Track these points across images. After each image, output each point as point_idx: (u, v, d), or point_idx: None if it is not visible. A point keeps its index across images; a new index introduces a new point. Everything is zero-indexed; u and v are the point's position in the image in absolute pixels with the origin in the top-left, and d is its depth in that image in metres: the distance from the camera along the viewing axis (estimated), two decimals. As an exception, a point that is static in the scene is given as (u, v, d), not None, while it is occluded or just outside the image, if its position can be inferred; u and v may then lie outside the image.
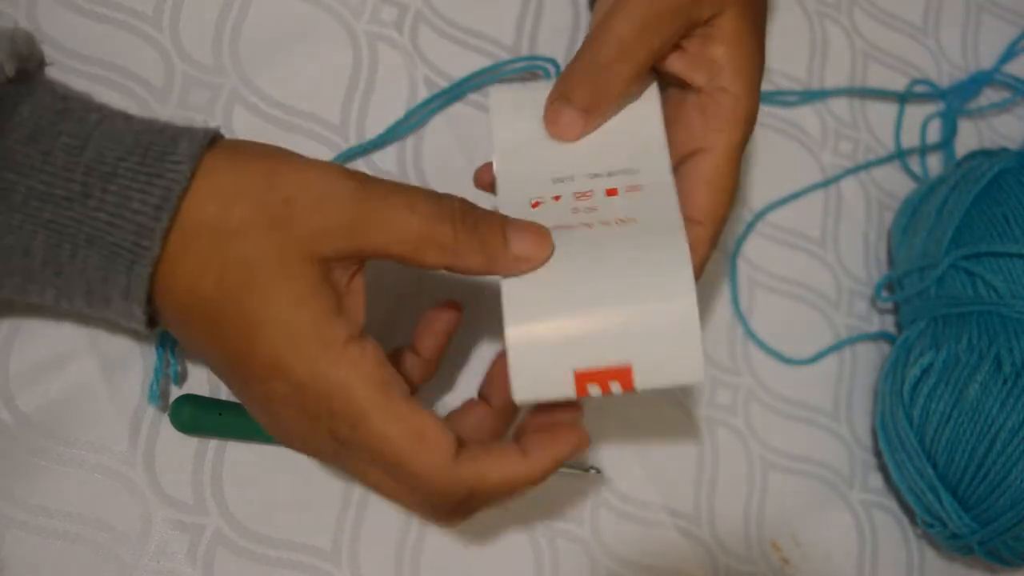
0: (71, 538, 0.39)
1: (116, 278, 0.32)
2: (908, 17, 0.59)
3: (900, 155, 0.57)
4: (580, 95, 0.38)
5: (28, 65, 0.34)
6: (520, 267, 0.33)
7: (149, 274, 0.32)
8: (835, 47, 0.57)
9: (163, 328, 0.37)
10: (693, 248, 0.36)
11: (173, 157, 0.32)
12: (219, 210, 0.32)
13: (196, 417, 0.40)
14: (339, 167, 0.33)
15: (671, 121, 0.40)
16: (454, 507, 0.34)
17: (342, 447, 0.33)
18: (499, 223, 0.34)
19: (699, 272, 0.38)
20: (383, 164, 0.46)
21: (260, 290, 0.32)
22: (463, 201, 0.34)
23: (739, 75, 0.39)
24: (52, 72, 0.42)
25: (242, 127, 0.44)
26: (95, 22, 0.43)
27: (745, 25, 0.39)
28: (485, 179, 0.39)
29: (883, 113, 0.58)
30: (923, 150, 0.58)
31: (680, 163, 0.39)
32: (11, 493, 0.39)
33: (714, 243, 0.40)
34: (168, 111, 0.43)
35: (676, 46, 0.39)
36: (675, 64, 0.39)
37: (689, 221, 0.38)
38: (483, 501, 0.34)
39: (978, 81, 0.59)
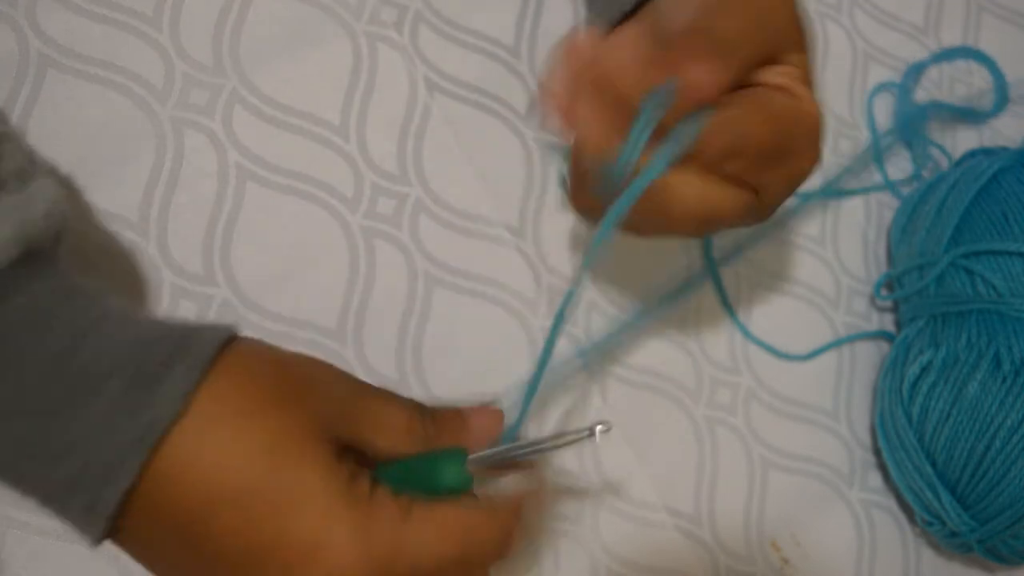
0: (71, 537, 0.39)
1: (80, 495, 0.29)
2: (909, 17, 0.59)
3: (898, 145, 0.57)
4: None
5: (40, 244, 0.31)
6: (481, 441, 0.36)
7: (118, 501, 0.29)
8: (836, 47, 0.57)
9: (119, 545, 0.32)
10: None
11: (162, 389, 0.29)
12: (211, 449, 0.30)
13: None
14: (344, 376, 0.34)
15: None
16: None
17: None
18: (455, 411, 0.36)
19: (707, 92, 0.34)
20: (384, 165, 0.46)
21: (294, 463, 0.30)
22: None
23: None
24: (51, 72, 0.42)
25: (242, 127, 0.44)
26: (95, 22, 0.43)
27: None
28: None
29: (881, 109, 0.58)
30: (921, 146, 0.58)
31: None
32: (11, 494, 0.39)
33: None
34: (168, 111, 0.43)
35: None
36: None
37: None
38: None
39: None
